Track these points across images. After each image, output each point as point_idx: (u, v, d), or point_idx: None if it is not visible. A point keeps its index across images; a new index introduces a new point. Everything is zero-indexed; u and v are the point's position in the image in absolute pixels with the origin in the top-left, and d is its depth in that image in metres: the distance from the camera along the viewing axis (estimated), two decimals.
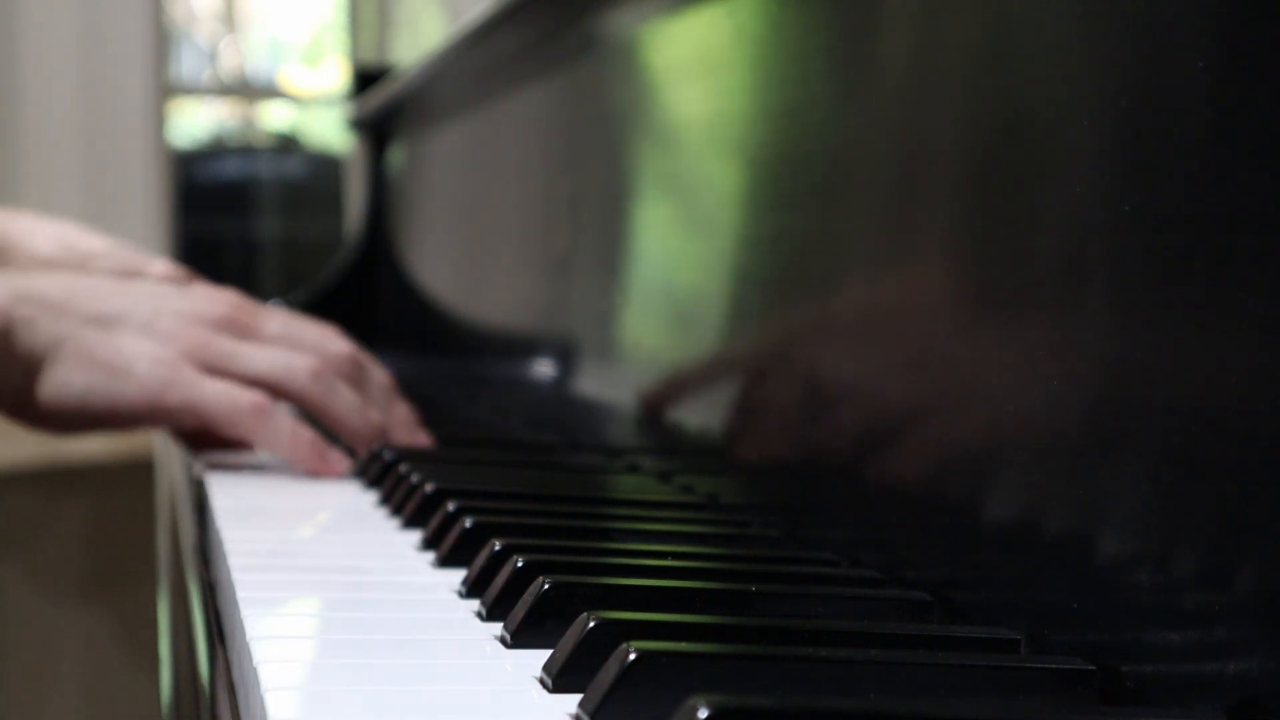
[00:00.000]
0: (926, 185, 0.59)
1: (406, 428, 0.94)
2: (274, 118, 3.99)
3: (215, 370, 0.88)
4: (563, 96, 1.10)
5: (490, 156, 1.33)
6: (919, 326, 0.58)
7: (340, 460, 0.88)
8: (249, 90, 4.01)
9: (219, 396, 0.86)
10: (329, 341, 0.93)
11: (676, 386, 0.81)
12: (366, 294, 1.79)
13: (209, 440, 0.92)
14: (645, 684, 0.41)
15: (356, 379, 0.92)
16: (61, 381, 0.87)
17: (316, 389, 0.88)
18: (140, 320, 0.88)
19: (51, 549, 2.11)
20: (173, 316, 0.89)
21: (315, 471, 0.87)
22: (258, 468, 0.91)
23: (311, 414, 0.91)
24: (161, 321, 0.88)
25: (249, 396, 0.86)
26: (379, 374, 0.94)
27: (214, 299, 0.93)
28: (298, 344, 0.91)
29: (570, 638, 0.45)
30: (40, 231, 1.06)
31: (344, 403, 0.89)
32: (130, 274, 1.01)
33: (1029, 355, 0.50)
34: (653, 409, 0.85)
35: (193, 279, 1.03)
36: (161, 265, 1.05)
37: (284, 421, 0.87)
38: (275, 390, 0.89)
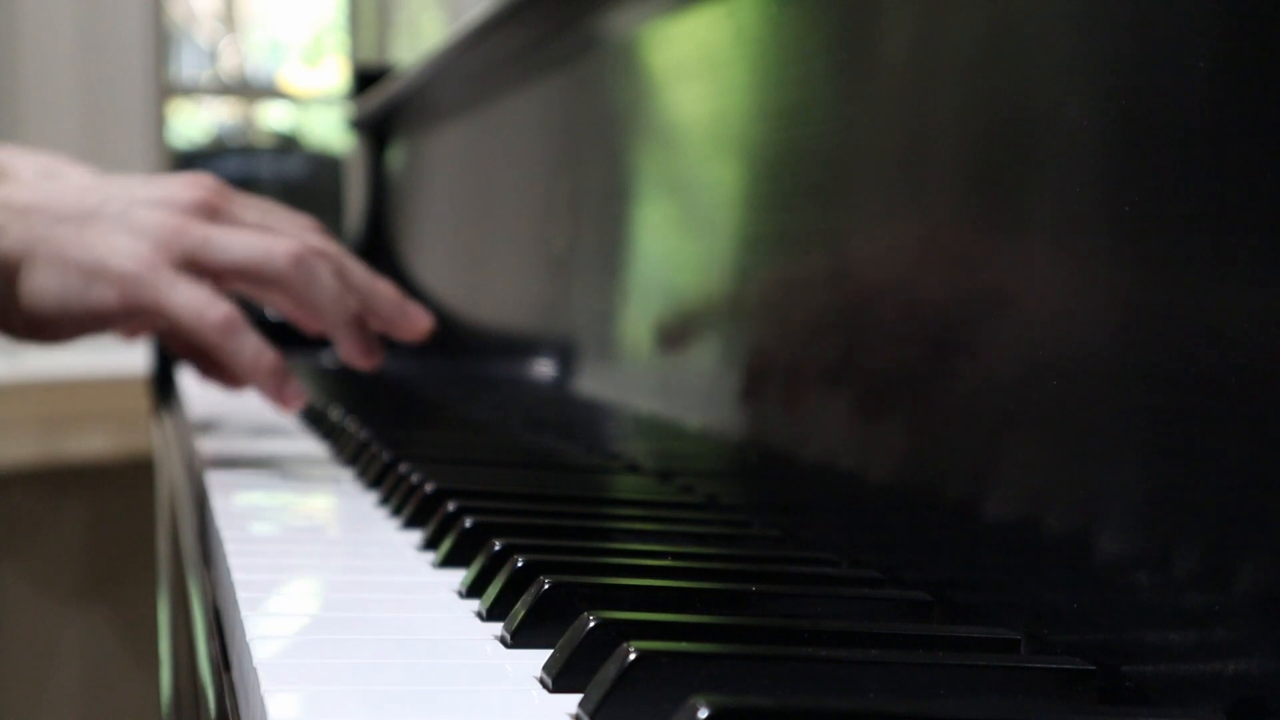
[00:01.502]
0: (927, 185, 0.59)
1: (393, 304, 0.91)
2: (274, 118, 3.99)
3: (191, 259, 0.85)
4: (563, 96, 1.10)
5: (490, 156, 1.33)
6: (918, 325, 0.58)
7: (297, 397, 0.86)
8: (249, 90, 4.01)
9: (189, 304, 0.84)
10: (307, 232, 0.90)
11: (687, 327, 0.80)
12: None
13: (185, 347, 0.91)
14: (645, 684, 0.41)
15: (337, 269, 0.89)
16: (39, 286, 0.85)
17: (296, 274, 0.86)
18: (113, 213, 0.85)
19: (51, 549, 2.11)
20: (147, 206, 0.86)
21: (271, 398, 0.86)
22: (258, 468, 0.91)
23: (291, 298, 0.88)
24: (136, 212, 0.86)
25: (218, 309, 0.84)
26: (356, 264, 0.92)
27: (189, 184, 0.89)
28: (276, 230, 0.88)
29: (570, 638, 0.45)
30: (24, 160, 1.03)
31: (324, 290, 0.86)
32: None
33: (1029, 354, 0.50)
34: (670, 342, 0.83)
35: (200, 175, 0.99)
36: None
37: (250, 341, 0.85)
38: (254, 275, 0.86)
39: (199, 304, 0.84)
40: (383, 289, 0.92)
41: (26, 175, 1.00)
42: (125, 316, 0.86)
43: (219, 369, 0.94)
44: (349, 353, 0.88)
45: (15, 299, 0.86)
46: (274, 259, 0.85)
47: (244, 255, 0.85)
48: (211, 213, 0.87)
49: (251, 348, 0.85)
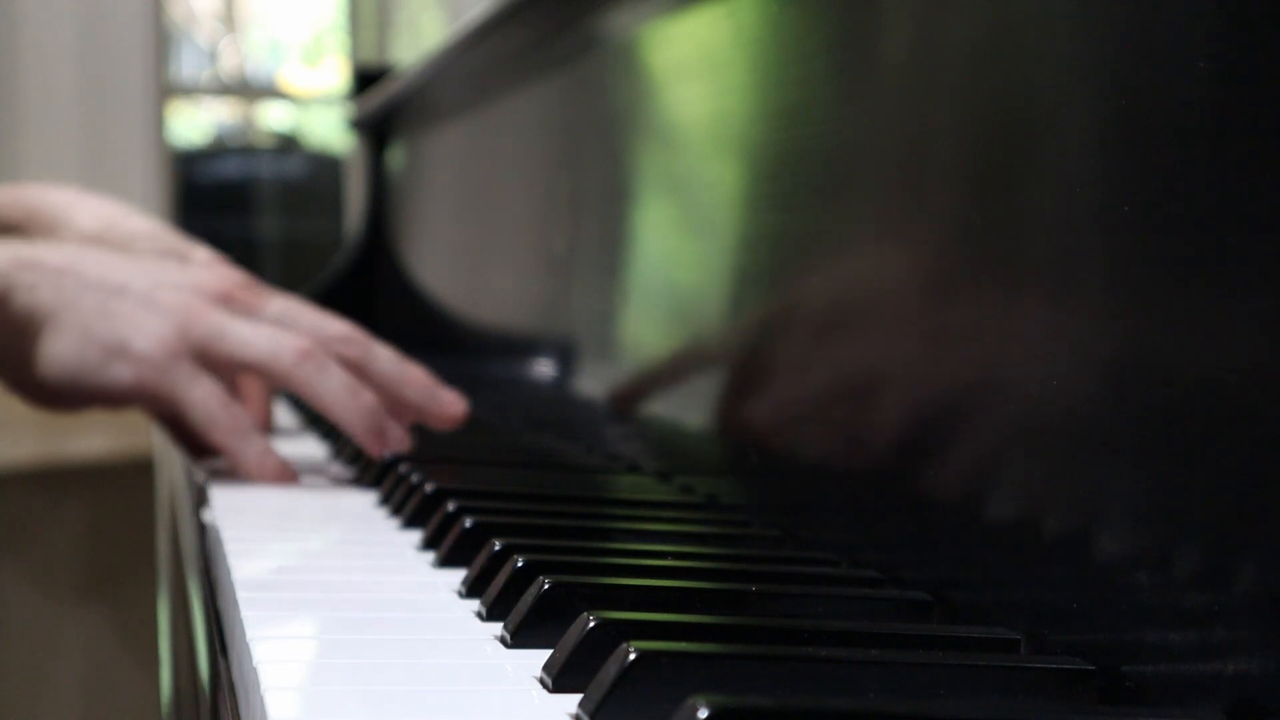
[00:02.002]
0: (927, 185, 0.59)
1: (422, 390, 0.90)
2: (274, 118, 3.99)
3: (203, 348, 0.86)
4: (563, 96, 1.10)
5: (490, 156, 1.33)
6: (918, 325, 0.58)
7: (271, 470, 0.86)
8: (249, 90, 4.01)
9: (201, 403, 0.85)
10: (326, 323, 0.90)
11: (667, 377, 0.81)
12: (366, 294, 1.79)
13: (180, 431, 0.91)
14: (645, 684, 0.41)
15: (357, 358, 0.88)
16: (58, 352, 0.86)
17: (302, 371, 0.86)
18: (140, 292, 0.86)
19: (51, 549, 2.11)
20: (173, 289, 0.87)
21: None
22: None
23: (298, 393, 0.88)
24: (161, 294, 0.87)
25: (228, 412, 0.85)
26: (384, 350, 0.91)
27: (217, 275, 0.91)
28: (294, 325, 0.89)
29: (570, 638, 0.45)
30: (85, 207, 1.04)
31: (332, 385, 0.86)
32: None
33: (1029, 354, 0.50)
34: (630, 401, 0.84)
35: (232, 267, 1.00)
36: (203, 253, 1.03)
37: (255, 444, 0.86)
38: (260, 371, 0.87)
39: (209, 404, 0.85)
40: (412, 376, 0.90)
41: (87, 224, 1.02)
42: (135, 400, 0.87)
43: (211, 451, 0.93)
44: (363, 446, 0.87)
45: (32, 361, 0.87)
46: (280, 357, 0.86)
47: (253, 351, 0.86)
48: (235, 305, 0.88)
49: (255, 453, 0.86)
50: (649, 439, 0.87)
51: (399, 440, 0.87)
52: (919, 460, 0.56)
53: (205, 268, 0.93)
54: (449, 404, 0.91)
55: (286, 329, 0.88)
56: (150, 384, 0.85)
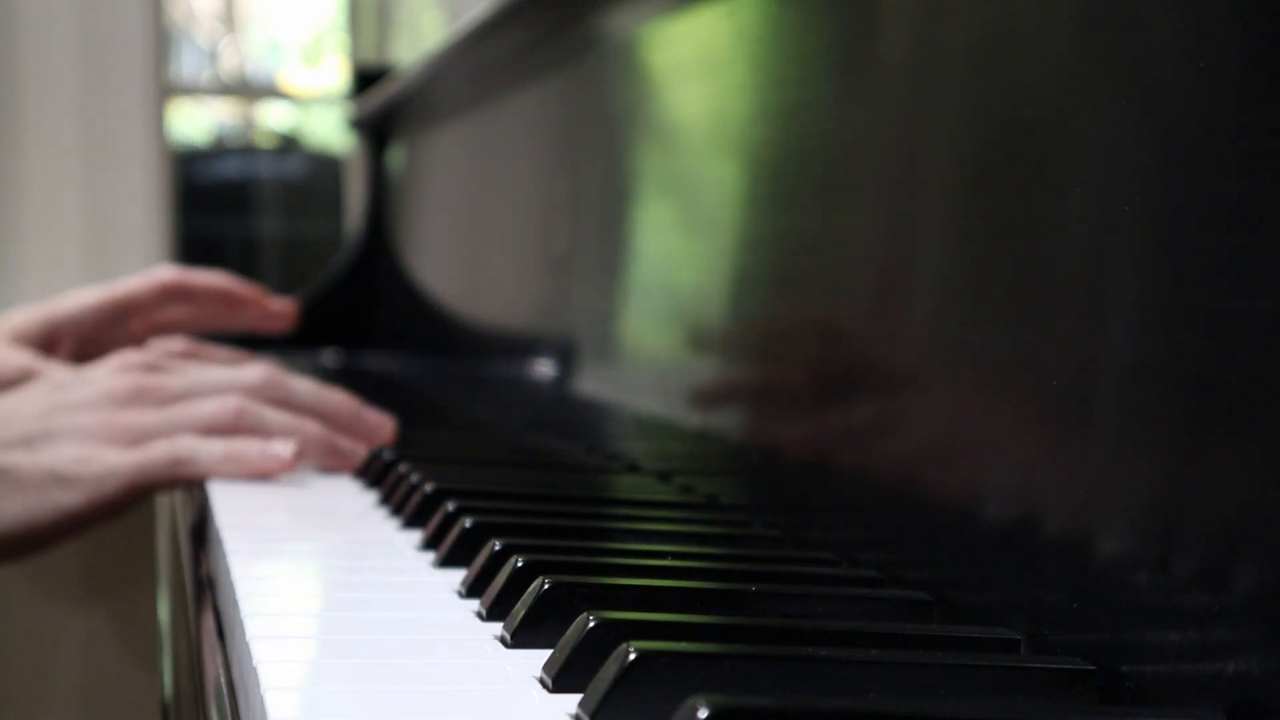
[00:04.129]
0: (927, 185, 0.59)
1: (349, 415, 0.92)
2: (274, 118, 3.99)
3: (157, 473, 0.87)
4: (563, 96, 1.10)
5: (490, 156, 1.33)
6: (919, 325, 0.58)
7: (286, 459, 0.86)
8: (249, 90, 4.01)
9: (135, 465, 0.86)
10: (240, 374, 0.92)
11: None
12: (366, 294, 1.79)
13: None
14: (645, 684, 0.41)
15: (281, 398, 0.90)
16: (3, 516, 0.87)
17: (243, 424, 0.87)
18: (61, 426, 0.88)
19: (51, 549, 2.11)
20: (81, 411, 0.88)
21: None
22: None
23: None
24: (74, 419, 0.88)
25: (158, 451, 0.86)
26: (301, 382, 0.93)
27: (117, 374, 0.91)
28: (211, 389, 0.90)
29: (570, 638, 0.45)
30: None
31: (274, 425, 0.88)
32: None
33: (1029, 354, 0.50)
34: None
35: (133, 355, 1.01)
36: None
37: (252, 447, 0.87)
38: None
39: (139, 461, 0.86)
40: (336, 402, 0.92)
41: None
42: (93, 516, 0.87)
43: None
44: (325, 466, 0.89)
45: None
46: (217, 426, 0.87)
47: (217, 453, 0.86)
48: (145, 394, 0.90)
49: (255, 451, 0.87)
50: (650, 439, 0.87)
51: (353, 451, 0.89)
52: (919, 460, 0.56)
53: (102, 368, 0.93)
54: (376, 426, 0.93)
55: (206, 397, 0.89)
56: (98, 493, 0.86)
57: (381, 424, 0.93)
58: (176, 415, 0.88)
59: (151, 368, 0.92)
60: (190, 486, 0.88)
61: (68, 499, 0.86)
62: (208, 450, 0.85)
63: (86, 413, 0.88)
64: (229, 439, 0.86)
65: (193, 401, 0.89)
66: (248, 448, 0.85)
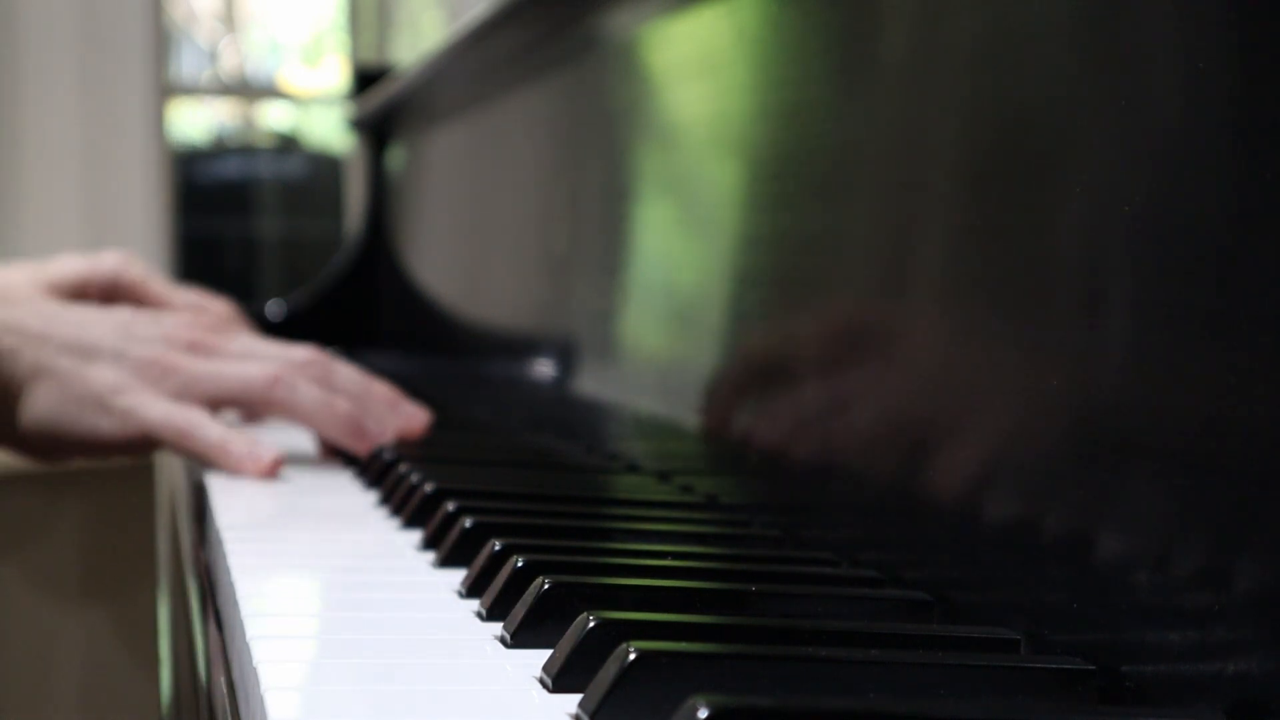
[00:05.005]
0: (927, 185, 0.59)
1: (386, 404, 0.96)
2: (274, 118, 3.99)
3: (179, 394, 0.93)
4: (563, 96, 1.10)
5: (490, 156, 1.33)
6: (919, 326, 0.58)
7: (265, 463, 0.89)
8: (249, 90, 4.01)
9: (153, 418, 0.90)
10: (289, 351, 0.96)
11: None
12: (366, 294, 1.79)
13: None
14: (645, 684, 0.41)
15: (321, 377, 0.94)
16: (38, 410, 0.93)
17: (276, 393, 0.92)
18: (111, 350, 0.93)
19: (51, 549, 2.11)
20: (141, 343, 0.94)
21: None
22: None
23: (279, 414, 0.94)
24: (131, 348, 0.93)
25: (177, 416, 0.90)
26: (346, 368, 0.97)
27: (185, 321, 0.98)
28: (259, 356, 0.95)
29: (570, 638, 0.45)
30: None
31: (306, 399, 0.92)
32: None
33: (1030, 355, 0.50)
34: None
35: (203, 310, 1.09)
36: (187, 295, 1.13)
37: (251, 445, 0.90)
38: (238, 402, 0.93)
39: (172, 418, 0.91)
40: (376, 389, 0.97)
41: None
42: (115, 447, 0.93)
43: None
44: (348, 448, 0.93)
45: (15, 419, 0.94)
46: (253, 386, 0.92)
47: (226, 386, 0.92)
48: (200, 348, 0.95)
49: (249, 450, 0.90)
50: (650, 439, 0.87)
51: (377, 437, 0.92)
52: (919, 460, 0.56)
53: (173, 316, 0.99)
54: (412, 416, 0.97)
55: (253, 360, 0.94)
56: (122, 430, 0.91)
57: (416, 414, 0.97)
58: (217, 369, 0.93)
59: (216, 329, 0.98)
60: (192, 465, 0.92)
61: (98, 422, 0.92)
62: (207, 431, 0.89)
63: (143, 345, 0.94)
64: (228, 429, 0.90)
65: (238, 361, 0.94)
66: (239, 442, 0.89)
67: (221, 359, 0.94)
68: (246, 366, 0.93)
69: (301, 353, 0.96)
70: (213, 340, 0.96)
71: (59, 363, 0.92)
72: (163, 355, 0.93)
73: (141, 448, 0.93)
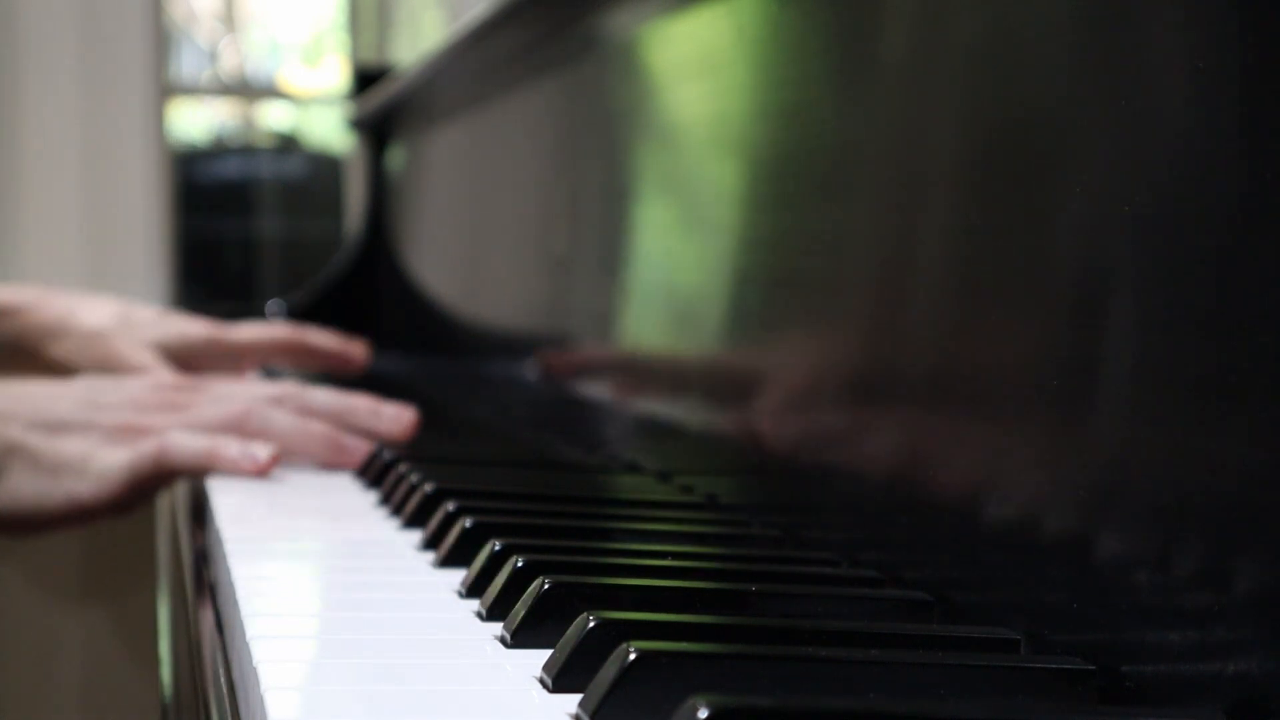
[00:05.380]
0: (926, 185, 0.59)
1: (367, 414, 0.96)
2: (274, 118, 3.99)
3: (157, 464, 0.91)
4: (563, 96, 1.10)
5: (490, 156, 1.33)
6: (919, 325, 0.58)
7: (262, 461, 0.89)
8: (249, 90, 4.01)
9: (126, 460, 0.90)
10: (260, 389, 0.97)
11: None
12: (366, 294, 1.79)
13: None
14: (645, 684, 0.41)
15: (297, 406, 0.94)
16: (13, 489, 0.91)
17: (249, 426, 0.91)
18: (81, 420, 0.92)
19: (51, 549, 2.11)
20: (109, 411, 0.93)
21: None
22: None
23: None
24: (100, 416, 0.92)
25: (147, 445, 0.89)
26: (320, 392, 0.97)
27: (149, 385, 0.97)
28: (229, 398, 0.95)
29: (570, 638, 0.45)
30: (87, 307, 1.19)
31: (281, 426, 0.92)
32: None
33: (1030, 353, 0.50)
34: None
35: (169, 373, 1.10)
36: (199, 326, 1.19)
37: (249, 448, 0.90)
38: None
39: (198, 444, 0.89)
40: (353, 402, 0.96)
41: (90, 320, 1.16)
42: (102, 509, 0.92)
43: None
44: (326, 465, 0.93)
45: None
46: (225, 423, 0.91)
47: (201, 442, 0.90)
48: (172, 407, 0.94)
49: (240, 450, 0.90)
50: (650, 439, 0.87)
51: (358, 448, 0.92)
52: (920, 460, 0.56)
53: (137, 381, 0.99)
54: (395, 417, 0.96)
55: (222, 403, 0.94)
56: (107, 488, 0.90)
57: (399, 416, 0.96)
58: (189, 417, 0.92)
59: (185, 387, 0.98)
60: (191, 479, 0.91)
61: (77, 488, 0.90)
62: (190, 444, 0.88)
63: (109, 413, 0.93)
64: (212, 435, 0.89)
65: (210, 406, 0.94)
66: (228, 445, 0.88)
67: (191, 410, 0.94)
68: (217, 409, 0.93)
69: (273, 389, 0.97)
70: (181, 398, 0.95)
71: (29, 439, 0.91)
72: (132, 419, 0.92)
73: (129, 503, 0.92)
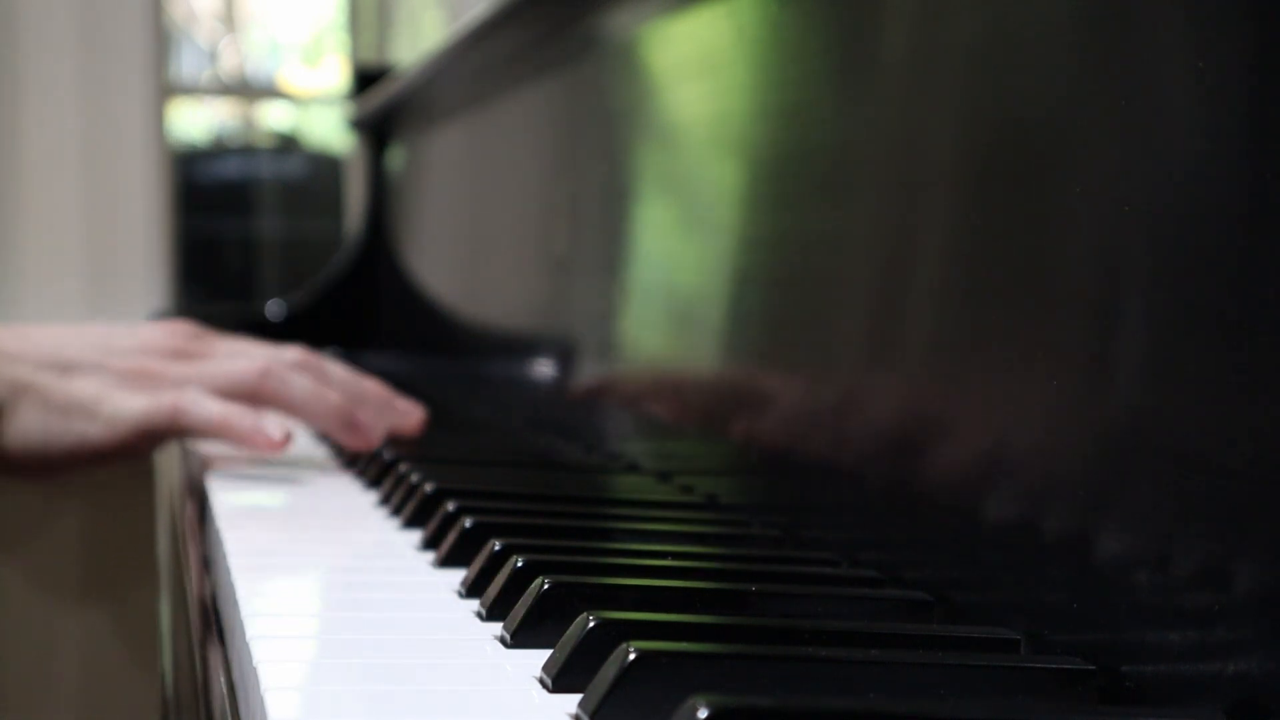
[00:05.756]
0: (926, 185, 0.59)
1: (379, 402, 0.95)
2: (274, 118, 3.99)
3: (172, 406, 0.90)
4: (563, 96, 1.10)
5: (490, 156, 1.33)
6: (919, 325, 0.58)
7: (276, 439, 0.88)
8: (249, 90, 4.01)
9: (141, 409, 0.89)
10: (279, 351, 0.96)
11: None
12: (366, 294, 1.79)
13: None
14: (645, 684, 0.41)
15: (312, 372, 0.94)
16: (22, 428, 0.90)
17: (267, 385, 0.91)
18: (92, 362, 0.91)
19: (51, 549, 2.11)
20: (122, 354, 0.92)
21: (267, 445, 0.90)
22: (258, 467, 0.91)
23: (273, 406, 0.92)
24: (112, 360, 0.92)
25: (165, 398, 0.88)
26: (337, 366, 0.96)
27: (164, 332, 0.96)
28: (247, 354, 0.94)
29: (570, 638, 0.45)
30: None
31: (298, 390, 0.91)
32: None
33: (1029, 353, 0.50)
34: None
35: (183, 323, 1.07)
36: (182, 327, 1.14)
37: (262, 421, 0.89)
38: (228, 396, 0.91)
39: (148, 406, 0.89)
40: (368, 387, 0.96)
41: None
42: (110, 452, 0.90)
43: None
44: (341, 441, 0.92)
45: (2, 440, 0.92)
46: (243, 380, 0.91)
47: (214, 384, 0.90)
48: (184, 355, 0.94)
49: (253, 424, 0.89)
50: (650, 439, 0.87)
51: (370, 430, 0.91)
52: (920, 461, 0.56)
53: (151, 329, 0.97)
54: (406, 412, 0.96)
55: (240, 357, 0.93)
56: (114, 431, 0.89)
57: (410, 412, 0.96)
58: (203, 369, 0.91)
59: (202, 336, 0.96)
60: (191, 438, 0.91)
61: (88, 429, 0.90)
62: (207, 407, 0.87)
63: (122, 357, 0.92)
64: (229, 403, 0.88)
65: (226, 359, 0.93)
66: (244, 416, 0.87)
67: (206, 361, 0.93)
68: (235, 362, 0.92)
69: (292, 352, 0.95)
70: (195, 346, 0.95)
71: (39, 378, 0.90)
72: (145, 364, 0.92)
73: (136, 450, 0.91)
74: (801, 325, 0.68)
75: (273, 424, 0.87)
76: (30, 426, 0.90)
